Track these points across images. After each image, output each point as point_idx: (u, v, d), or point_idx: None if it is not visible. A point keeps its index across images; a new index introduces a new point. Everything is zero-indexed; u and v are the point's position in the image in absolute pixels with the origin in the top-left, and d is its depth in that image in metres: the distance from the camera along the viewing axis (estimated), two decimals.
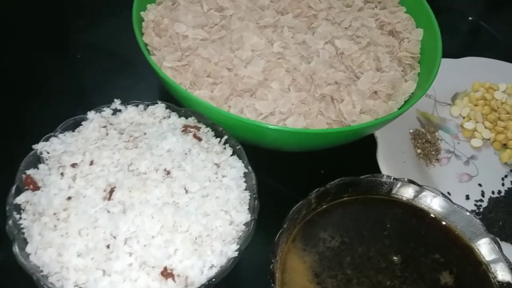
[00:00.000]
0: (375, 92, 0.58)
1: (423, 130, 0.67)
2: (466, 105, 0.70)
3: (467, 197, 0.62)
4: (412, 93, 0.59)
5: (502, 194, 0.63)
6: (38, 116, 0.60)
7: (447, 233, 0.50)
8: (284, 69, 0.56)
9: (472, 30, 0.90)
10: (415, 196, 0.51)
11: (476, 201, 0.62)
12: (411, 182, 0.51)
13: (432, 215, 0.51)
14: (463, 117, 0.70)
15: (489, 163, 0.66)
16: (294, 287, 0.45)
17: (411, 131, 0.66)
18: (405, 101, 0.59)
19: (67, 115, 0.51)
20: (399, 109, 0.58)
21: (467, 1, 0.91)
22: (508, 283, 0.46)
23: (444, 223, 0.50)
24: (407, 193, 0.51)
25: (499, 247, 0.47)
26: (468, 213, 0.49)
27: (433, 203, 0.51)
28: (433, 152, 0.65)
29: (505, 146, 0.68)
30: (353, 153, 0.62)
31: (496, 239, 0.48)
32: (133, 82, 0.66)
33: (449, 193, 0.62)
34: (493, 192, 0.63)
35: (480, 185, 0.64)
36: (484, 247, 0.48)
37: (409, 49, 0.62)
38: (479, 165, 0.66)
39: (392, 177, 0.51)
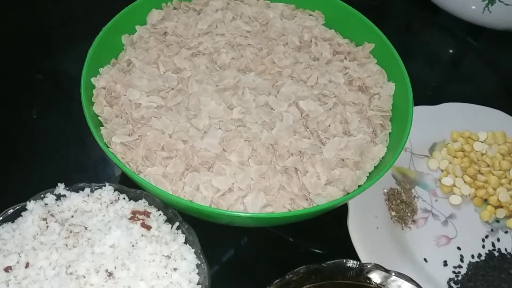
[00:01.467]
0: (342, 160, 0.54)
1: (398, 188, 0.63)
2: (445, 157, 0.66)
3: (445, 263, 0.58)
4: (383, 157, 0.56)
5: (482, 257, 0.59)
6: None
7: None
8: (244, 138, 0.53)
9: (452, 63, 0.87)
10: (383, 281, 0.48)
11: (455, 267, 0.58)
12: (378, 267, 0.47)
13: None
14: (442, 170, 0.66)
15: (468, 223, 0.62)
16: None
17: (385, 191, 0.62)
18: (375, 167, 0.55)
19: (7, 197, 0.47)
20: (368, 176, 0.54)
21: (446, 33, 0.87)
22: None
23: None
24: (375, 277, 0.48)
25: None
26: None
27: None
28: (408, 214, 0.61)
29: (486, 201, 0.64)
30: (323, 217, 0.58)
31: None
32: (83, 160, 0.62)
33: (425, 260, 0.58)
34: (472, 256, 0.59)
35: (459, 248, 0.60)
36: None
37: (380, 106, 0.58)
38: (458, 225, 0.62)
39: (358, 263, 0.47)
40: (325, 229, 0.59)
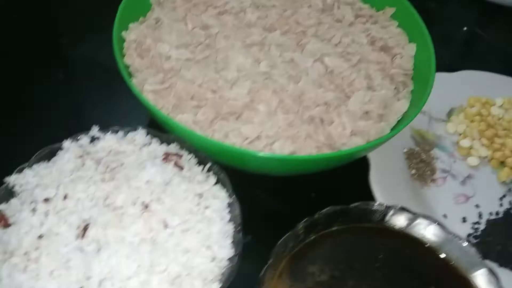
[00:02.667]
0: (366, 113, 0.55)
1: (417, 149, 0.64)
2: (462, 121, 0.68)
3: (464, 220, 0.60)
4: (405, 112, 0.57)
5: (500, 215, 0.60)
6: (12, 144, 0.58)
7: (442, 263, 0.47)
8: (271, 90, 0.54)
9: (467, 41, 0.88)
10: (409, 224, 0.49)
11: (473, 223, 0.60)
12: (404, 209, 0.48)
13: (426, 244, 0.48)
14: (459, 134, 0.67)
15: (486, 183, 0.64)
16: None
17: (405, 150, 0.64)
18: (398, 121, 0.56)
19: (42, 142, 0.48)
20: (391, 130, 0.55)
21: (461, 10, 0.88)
22: None
23: (439, 253, 0.48)
24: (400, 221, 0.49)
25: (497, 279, 0.45)
26: (464, 243, 0.47)
27: (427, 232, 0.48)
28: (428, 172, 0.62)
29: (502, 164, 0.65)
30: (345, 174, 0.59)
31: (494, 270, 0.45)
32: (115, 105, 0.64)
33: (445, 216, 0.60)
34: (490, 214, 0.61)
35: (477, 206, 0.61)
36: (481, 279, 0.46)
37: (402, 65, 0.60)
38: (476, 185, 0.63)
39: (384, 205, 0.49)
40: (347, 187, 0.60)
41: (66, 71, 0.67)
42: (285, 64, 0.57)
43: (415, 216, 0.48)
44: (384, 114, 0.56)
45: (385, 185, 0.58)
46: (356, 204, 0.48)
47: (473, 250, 0.46)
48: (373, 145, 0.51)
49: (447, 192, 0.62)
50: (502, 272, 0.54)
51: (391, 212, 0.49)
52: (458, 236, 0.47)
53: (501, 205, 0.62)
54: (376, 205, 0.49)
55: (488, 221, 0.60)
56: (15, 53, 0.69)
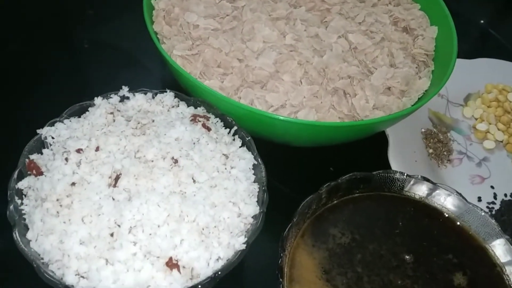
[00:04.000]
0: (389, 88, 0.56)
1: (435, 130, 0.65)
2: (479, 106, 0.69)
3: (479, 199, 0.61)
4: (425, 91, 0.58)
5: None
6: (44, 102, 0.59)
7: (460, 233, 0.48)
8: (296, 61, 0.55)
9: (482, 34, 0.89)
10: (428, 194, 0.50)
11: (488, 203, 0.60)
12: (425, 179, 0.49)
13: (445, 214, 0.49)
14: (476, 119, 0.68)
15: (501, 166, 0.65)
16: (303, 283, 0.43)
17: (423, 130, 0.65)
18: (419, 99, 0.57)
19: (73, 102, 0.50)
20: (412, 106, 0.56)
21: (476, 5, 0.89)
22: None
23: (458, 222, 0.49)
24: (420, 190, 0.50)
25: None
26: (483, 213, 0.48)
27: (446, 202, 0.49)
28: (445, 153, 0.63)
29: None
30: (363, 151, 0.61)
31: (510, 239, 0.46)
32: (140, 73, 0.65)
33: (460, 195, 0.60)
34: (505, 195, 0.61)
35: (492, 187, 0.62)
36: (499, 248, 0.47)
37: (423, 46, 0.61)
38: (491, 167, 0.64)
39: (405, 174, 0.50)
40: (366, 163, 0.61)
41: (98, 38, 0.69)
42: (310, 39, 0.58)
43: (435, 186, 0.49)
44: (405, 90, 0.57)
45: (403, 162, 0.59)
46: (377, 172, 0.49)
47: (491, 221, 0.47)
48: (394, 117, 0.52)
49: (463, 173, 0.63)
50: None
51: (411, 182, 0.50)
52: (477, 206, 0.48)
53: None
54: (397, 174, 0.50)
55: (503, 201, 0.61)
56: (49, 23, 0.71)
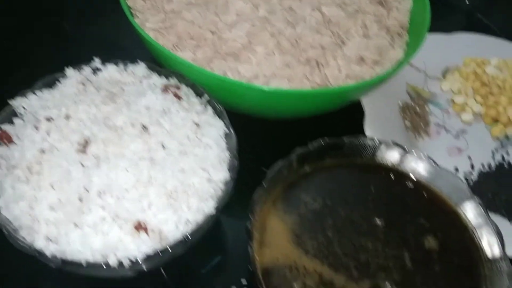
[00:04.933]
0: (362, 59, 0.56)
1: (412, 103, 0.65)
2: (457, 79, 0.69)
3: (456, 170, 0.61)
4: (400, 62, 0.58)
5: (493, 168, 0.62)
6: (15, 73, 0.59)
7: (432, 197, 0.49)
8: (269, 33, 0.55)
9: (467, 14, 0.89)
10: (400, 160, 0.50)
11: (466, 173, 0.61)
12: (396, 144, 0.50)
13: (417, 179, 0.50)
14: (454, 92, 0.68)
15: (479, 137, 0.65)
16: (273, 247, 0.44)
17: (400, 103, 0.65)
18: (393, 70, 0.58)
19: (45, 73, 0.50)
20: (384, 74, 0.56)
21: None
22: (494, 247, 0.45)
23: (429, 187, 0.49)
24: (392, 157, 0.50)
25: (486, 211, 0.46)
26: (454, 177, 0.48)
27: (418, 167, 0.50)
28: (422, 125, 0.64)
29: (496, 121, 0.66)
30: (340, 125, 0.61)
31: (482, 203, 0.47)
32: (113, 47, 0.65)
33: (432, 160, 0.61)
34: (483, 166, 0.62)
35: (470, 158, 0.62)
36: (470, 212, 0.47)
37: (398, 18, 0.61)
38: (469, 139, 0.65)
39: (377, 140, 0.50)
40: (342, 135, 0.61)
41: (71, 12, 0.69)
42: (284, 11, 0.58)
43: (406, 152, 0.50)
44: (379, 60, 0.57)
45: (379, 134, 0.59)
46: (348, 137, 0.50)
47: (463, 184, 0.48)
48: (366, 85, 0.52)
49: (440, 144, 0.63)
50: (493, 217, 0.55)
51: (383, 148, 0.50)
52: (448, 170, 0.48)
53: (493, 158, 0.63)
54: (368, 140, 0.50)
55: (481, 172, 0.61)
56: None
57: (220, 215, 0.44)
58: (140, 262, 0.39)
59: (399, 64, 0.54)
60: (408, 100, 0.66)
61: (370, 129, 0.59)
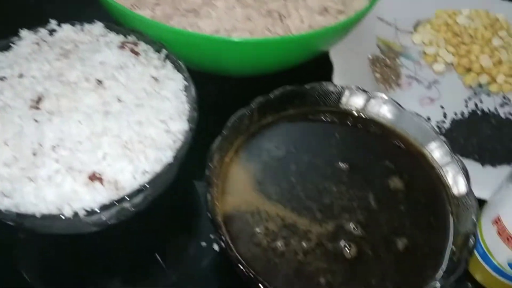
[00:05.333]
0: (325, 9, 0.56)
1: (382, 56, 0.65)
2: (428, 32, 0.68)
3: (428, 119, 0.60)
4: (363, 9, 0.57)
5: (465, 115, 0.61)
6: None
7: (398, 140, 0.48)
8: None
9: None
10: (365, 105, 0.49)
11: (438, 122, 0.60)
12: (359, 89, 0.49)
13: (382, 122, 0.49)
14: (425, 44, 0.68)
15: (452, 87, 0.64)
16: (236, 195, 0.43)
17: (370, 57, 0.64)
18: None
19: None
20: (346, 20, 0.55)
21: None
22: (460, 184, 0.44)
23: (395, 130, 0.49)
24: (356, 102, 0.50)
25: (450, 149, 0.46)
26: (418, 117, 0.47)
27: (383, 110, 0.49)
28: (393, 77, 0.63)
29: (469, 70, 0.66)
30: (308, 81, 0.60)
31: (447, 141, 0.46)
32: (71, 9, 0.64)
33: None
34: (455, 114, 0.61)
35: (442, 107, 0.62)
36: (437, 151, 0.47)
37: None
38: (441, 89, 0.64)
39: (339, 85, 0.49)
40: None
41: None
42: None
43: (370, 96, 0.49)
44: (343, 10, 0.56)
45: None
46: (311, 84, 0.49)
47: (427, 124, 0.47)
48: (328, 32, 0.51)
49: (412, 96, 0.63)
50: (465, 162, 0.55)
51: (347, 94, 0.49)
52: (412, 112, 0.48)
53: (466, 106, 0.62)
54: (331, 86, 0.49)
55: (453, 120, 0.60)
56: None
57: (193, 179, 0.43)
58: (97, 211, 0.38)
59: (362, 11, 0.54)
60: (379, 53, 0.65)
61: (339, 81, 0.58)
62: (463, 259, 0.39)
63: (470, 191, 0.43)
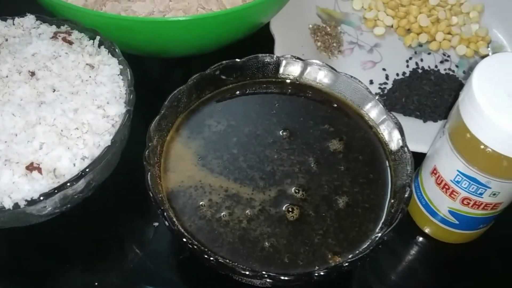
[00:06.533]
0: None
1: (323, 25, 0.66)
2: None
3: (371, 82, 0.62)
4: None
5: (407, 75, 0.62)
6: None
7: (336, 103, 0.49)
8: None
9: None
10: (302, 73, 0.50)
11: (380, 84, 0.61)
12: (295, 58, 0.50)
13: (320, 88, 0.50)
14: (365, 9, 0.69)
15: (393, 49, 0.65)
16: (178, 172, 0.44)
17: (310, 26, 0.65)
18: None
19: None
20: None
21: None
22: (395, 139, 0.45)
23: (332, 94, 0.50)
24: (293, 72, 0.50)
25: (385, 108, 0.47)
26: (353, 80, 0.48)
27: (319, 76, 0.50)
28: (334, 44, 0.64)
29: (409, 31, 0.67)
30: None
31: (381, 100, 0.47)
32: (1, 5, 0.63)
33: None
34: (397, 75, 0.63)
35: (384, 69, 0.63)
36: (373, 111, 0.48)
37: None
38: (383, 52, 0.65)
39: (275, 56, 0.50)
40: None
41: None
42: None
43: (306, 63, 0.50)
44: None
45: None
46: (247, 57, 0.49)
47: (362, 86, 0.48)
48: (261, 3, 0.51)
49: (354, 61, 0.64)
50: (407, 120, 0.57)
51: (283, 63, 0.50)
52: (348, 75, 0.49)
53: (407, 66, 0.64)
54: (267, 58, 0.50)
55: (395, 80, 0.62)
56: None
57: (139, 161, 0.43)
58: (38, 200, 0.39)
59: None
60: (319, 22, 0.66)
61: (281, 54, 0.58)
62: (400, 210, 0.40)
63: (404, 145, 0.44)
